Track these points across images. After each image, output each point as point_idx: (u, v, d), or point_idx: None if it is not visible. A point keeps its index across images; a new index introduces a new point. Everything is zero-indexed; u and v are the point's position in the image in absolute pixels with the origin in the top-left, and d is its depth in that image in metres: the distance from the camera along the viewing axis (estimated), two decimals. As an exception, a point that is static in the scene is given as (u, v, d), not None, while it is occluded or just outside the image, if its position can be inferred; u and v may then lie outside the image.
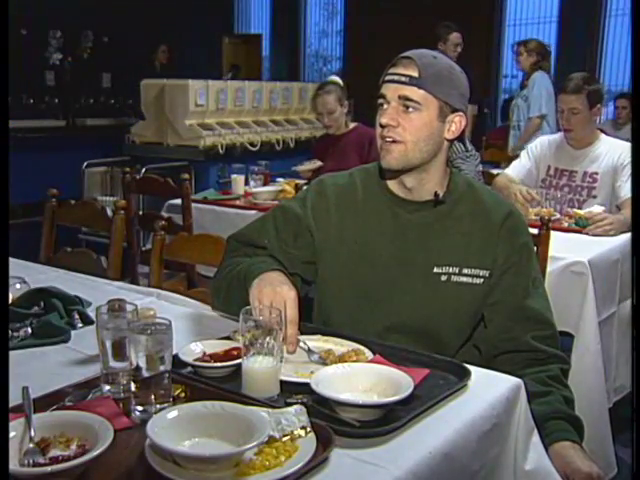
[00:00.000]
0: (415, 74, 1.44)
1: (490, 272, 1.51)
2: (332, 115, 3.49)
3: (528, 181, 2.99)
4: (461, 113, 1.50)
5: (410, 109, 1.45)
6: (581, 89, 2.82)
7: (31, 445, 0.94)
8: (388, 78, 1.48)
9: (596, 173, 2.85)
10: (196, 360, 1.26)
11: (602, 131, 3.03)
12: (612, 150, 2.84)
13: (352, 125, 3.63)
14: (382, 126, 1.46)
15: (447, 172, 1.57)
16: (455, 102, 1.48)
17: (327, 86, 3.57)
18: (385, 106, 1.47)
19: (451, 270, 1.50)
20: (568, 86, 2.86)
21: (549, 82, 4.91)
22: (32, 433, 0.96)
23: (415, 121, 1.45)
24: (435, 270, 1.50)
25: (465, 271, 1.50)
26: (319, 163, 3.54)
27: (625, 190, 2.72)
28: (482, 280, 1.51)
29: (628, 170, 2.75)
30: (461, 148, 3.04)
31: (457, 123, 1.50)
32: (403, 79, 1.44)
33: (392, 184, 1.56)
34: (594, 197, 2.84)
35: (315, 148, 3.88)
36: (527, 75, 4.97)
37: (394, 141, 1.46)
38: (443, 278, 1.50)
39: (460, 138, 1.54)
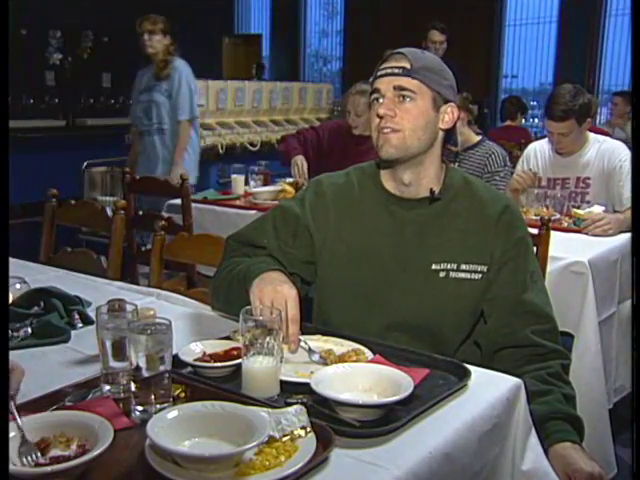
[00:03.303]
0: (407, 65, 1.47)
1: (488, 267, 1.51)
2: (359, 118, 3.45)
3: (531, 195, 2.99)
4: (452, 104, 1.53)
5: (407, 99, 1.47)
6: (569, 116, 2.72)
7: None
8: (381, 73, 1.51)
9: (589, 178, 2.84)
10: (196, 360, 1.26)
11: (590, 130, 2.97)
12: (600, 154, 2.81)
13: None
14: (380, 117, 1.48)
15: (443, 167, 1.58)
16: (447, 93, 1.51)
17: (364, 87, 3.48)
18: (380, 100, 1.49)
19: (449, 266, 1.51)
20: (555, 113, 2.75)
21: (190, 71, 4.08)
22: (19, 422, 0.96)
23: (412, 110, 1.47)
24: (433, 267, 1.51)
25: (463, 267, 1.51)
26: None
27: (627, 194, 2.70)
28: (480, 275, 1.51)
29: (622, 172, 2.73)
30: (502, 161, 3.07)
31: (450, 114, 1.52)
32: (396, 71, 1.48)
33: (388, 182, 1.57)
34: (587, 202, 2.83)
35: (327, 133, 3.62)
36: (161, 62, 4.04)
37: (393, 130, 1.47)
38: (441, 275, 1.51)
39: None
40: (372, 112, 1.51)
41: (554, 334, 1.51)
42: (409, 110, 1.47)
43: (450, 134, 1.56)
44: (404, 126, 1.47)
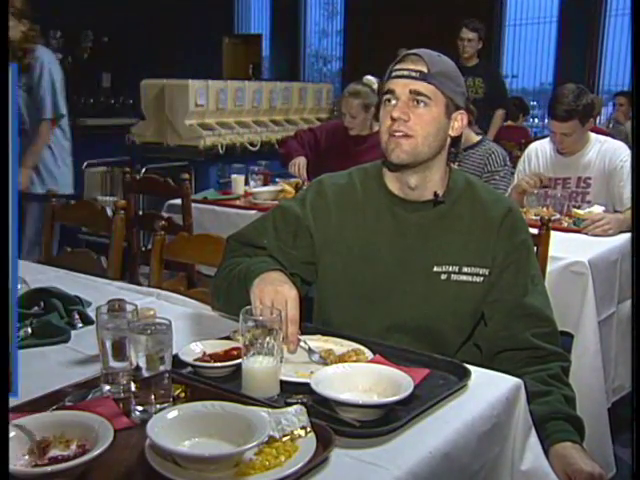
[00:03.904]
0: (425, 69, 1.45)
1: (490, 270, 1.51)
2: (354, 120, 3.45)
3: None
4: (463, 111, 1.52)
5: (421, 104, 1.46)
6: (572, 116, 2.71)
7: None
8: (397, 74, 1.48)
9: (589, 178, 2.84)
10: (196, 360, 1.26)
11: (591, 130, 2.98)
12: (601, 154, 2.82)
13: (377, 128, 3.55)
14: (393, 119, 1.46)
15: (447, 171, 1.57)
16: (459, 100, 1.51)
17: (356, 88, 3.50)
18: (394, 101, 1.47)
19: (451, 269, 1.50)
20: (558, 113, 2.74)
21: (56, 61, 3.48)
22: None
23: (425, 116, 1.46)
24: (435, 269, 1.51)
25: (465, 270, 1.51)
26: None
27: (627, 194, 2.70)
28: (482, 278, 1.51)
29: (623, 172, 2.73)
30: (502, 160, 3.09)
31: (460, 121, 1.52)
32: (413, 74, 1.46)
33: (392, 184, 1.57)
34: (588, 202, 2.83)
35: (325, 134, 3.64)
36: (19, 51, 3.22)
37: (405, 135, 1.46)
38: (443, 277, 1.51)
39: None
40: (384, 113, 1.49)
41: (554, 337, 1.51)
42: (422, 115, 1.46)
43: (457, 140, 1.55)
44: (417, 132, 1.46)
